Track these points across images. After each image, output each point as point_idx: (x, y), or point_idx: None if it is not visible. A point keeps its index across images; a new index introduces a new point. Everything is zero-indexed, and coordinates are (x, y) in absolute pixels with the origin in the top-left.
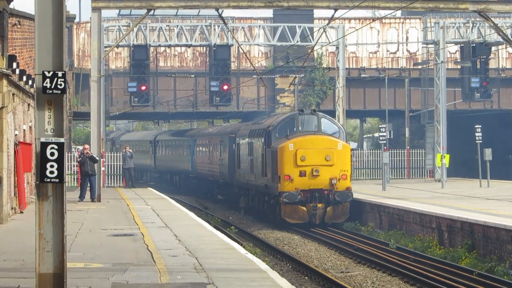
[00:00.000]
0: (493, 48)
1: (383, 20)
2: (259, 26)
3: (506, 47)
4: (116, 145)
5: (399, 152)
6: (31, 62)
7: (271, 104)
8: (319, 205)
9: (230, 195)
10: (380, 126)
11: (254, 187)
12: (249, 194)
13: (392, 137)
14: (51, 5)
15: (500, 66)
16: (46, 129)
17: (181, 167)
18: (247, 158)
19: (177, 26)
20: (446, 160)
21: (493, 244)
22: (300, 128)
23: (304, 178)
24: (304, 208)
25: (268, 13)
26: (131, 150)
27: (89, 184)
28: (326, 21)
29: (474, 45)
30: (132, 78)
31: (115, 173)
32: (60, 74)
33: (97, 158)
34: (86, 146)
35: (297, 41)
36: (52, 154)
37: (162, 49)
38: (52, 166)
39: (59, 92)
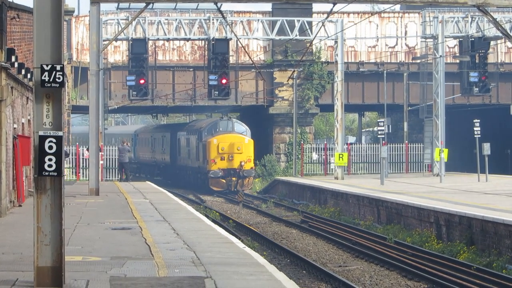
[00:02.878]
0: (492, 43)
1: (382, 14)
2: (258, 20)
3: (505, 42)
4: None
5: (397, 147)
6: (29, 56)
7: (269, 98)
8: (233, 178)
9: (170, 174)
10: (378, 120)
11: (190, 169)
12: (187, 173)
13: (390, 131)
14: None
15: (499, 61)
16: (45, 122)
17: None
18: (186, 149)
19: (176, 19)
20: (445, 155)
21: (491, 239)
22: (220, 129)
23: (224, 161)
24: (224, 181)
25: (267, 7)
26: (129, 144)
27: None
28: (325, 15)
29: (473, 39)
30: (130, 71)
31: (114, 166)
32: (58, 67)
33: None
34: None
35: (296, 35)
36: (50, 147)
37: (161, 42)
38: (50, 160)
39: (57, 85)
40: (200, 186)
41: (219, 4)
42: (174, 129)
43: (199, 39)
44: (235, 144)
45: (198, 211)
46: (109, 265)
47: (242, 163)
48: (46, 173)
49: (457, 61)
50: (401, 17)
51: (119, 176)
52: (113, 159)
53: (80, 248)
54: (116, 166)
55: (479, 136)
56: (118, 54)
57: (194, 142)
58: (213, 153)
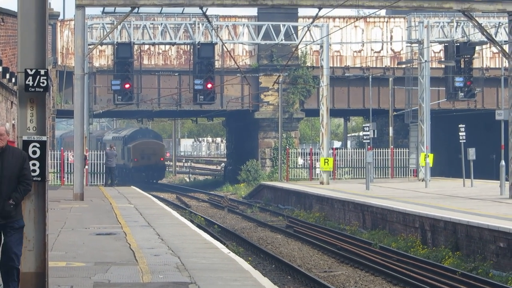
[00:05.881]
0: (477, 48)
1: (368, 19)
2: (244, 24)
3: (490, 47)
4: None
5: (383, 151)
6: (14, 60)
7: (255, 102)
8: (151, 173)
9: None
10: (364, 125)
11: (116, 165)
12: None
13: (376, 136)
14: (34, 3)
15: (484, 66)
16: (28, 127)
17: None
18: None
19: (161, 24)
20: (430, 160)
21: (476, 244)
22: (140, 136)
23: (143, 160)
24: (144, 174)
25: (253, 11)
26: (115, 148)
27: None
28: (311, 20)
29: (458, 44)
30: (116, 76)
31: (98, 171)
32: (42, 72)
33: None
34: None
35: (281, 40)
36: (34, 152)
37: (146, 47)
38: (34, 165)
39: (41, 90)
40: (124, 178)
41: (204, 9)
42: (99, 135)
43: (184, 44)
44: (151, 147)
45: (183, 216)
46: (93, 270)
47: (157, 161)
48: None
49: (443, 66)
50: (387, 22)
51: (104, 180)
52: (98, 163)
53: (64, 254)
54: (101, 171)
55: (464, 141)
56: (103, 58)
57: (120, 146)
58: (135, 154)
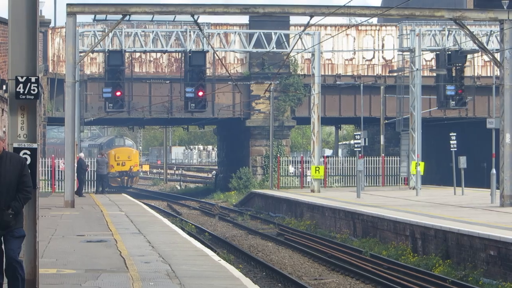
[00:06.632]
0: (469, 56)
1: (359, 27)
2: (235, 32)
3: (481, 55)
4: None
5: (374, 160)
6: (5, 67)
7: (246, 110)
8: (125, 178)
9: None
10: (355, 133)
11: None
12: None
13: (367, 144)
14: (24, 10)
15: (476, 74)
16: (19, 134)
17: None
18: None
19: (153, 31)
20: (421, 168)
21: (466, 252)
22: (115, 144)
23: (119, 166)
24: (119, 179)
25: (244, 19)
26: (106, 155)
27: None
28: (302, 28)
29: (449, 52)
30: (107, 83)
31: (90, 178)
32: (33, 79)
33: None
34: None
35: (273, 48)
36: (25, 159)
37: (138, 54)
38: None
39: (32, 97)
40: (103, 184)
41: (196, 17)
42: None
43: (176, 51)
44: (126, 154)
45: (174, 224)
46: (83, 277)
47: (132, 167)
48: None
49: (434, 74)
50: (378, 30)
51: (95, 188)
52: (89, 171)
53: (55, 261)
54: (92, 178)
55: (456, 149)
56: (94, 66)
57: (96, 152)
58: (111, 160)
